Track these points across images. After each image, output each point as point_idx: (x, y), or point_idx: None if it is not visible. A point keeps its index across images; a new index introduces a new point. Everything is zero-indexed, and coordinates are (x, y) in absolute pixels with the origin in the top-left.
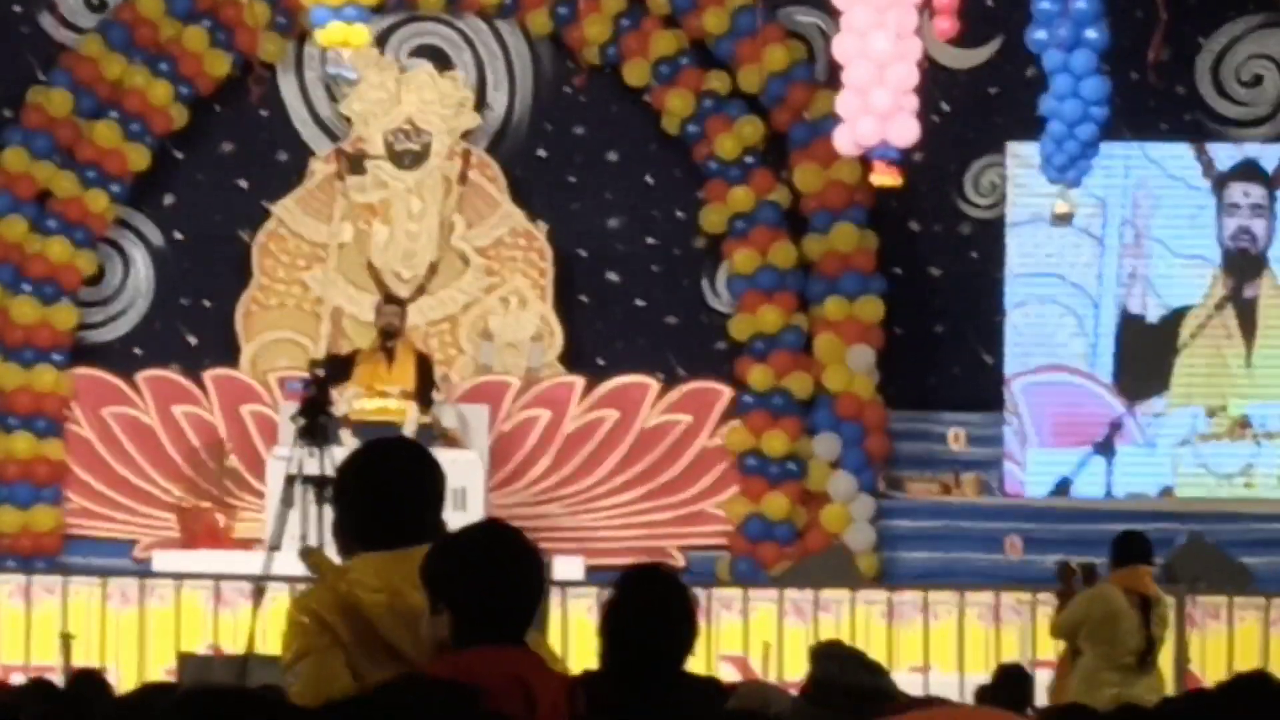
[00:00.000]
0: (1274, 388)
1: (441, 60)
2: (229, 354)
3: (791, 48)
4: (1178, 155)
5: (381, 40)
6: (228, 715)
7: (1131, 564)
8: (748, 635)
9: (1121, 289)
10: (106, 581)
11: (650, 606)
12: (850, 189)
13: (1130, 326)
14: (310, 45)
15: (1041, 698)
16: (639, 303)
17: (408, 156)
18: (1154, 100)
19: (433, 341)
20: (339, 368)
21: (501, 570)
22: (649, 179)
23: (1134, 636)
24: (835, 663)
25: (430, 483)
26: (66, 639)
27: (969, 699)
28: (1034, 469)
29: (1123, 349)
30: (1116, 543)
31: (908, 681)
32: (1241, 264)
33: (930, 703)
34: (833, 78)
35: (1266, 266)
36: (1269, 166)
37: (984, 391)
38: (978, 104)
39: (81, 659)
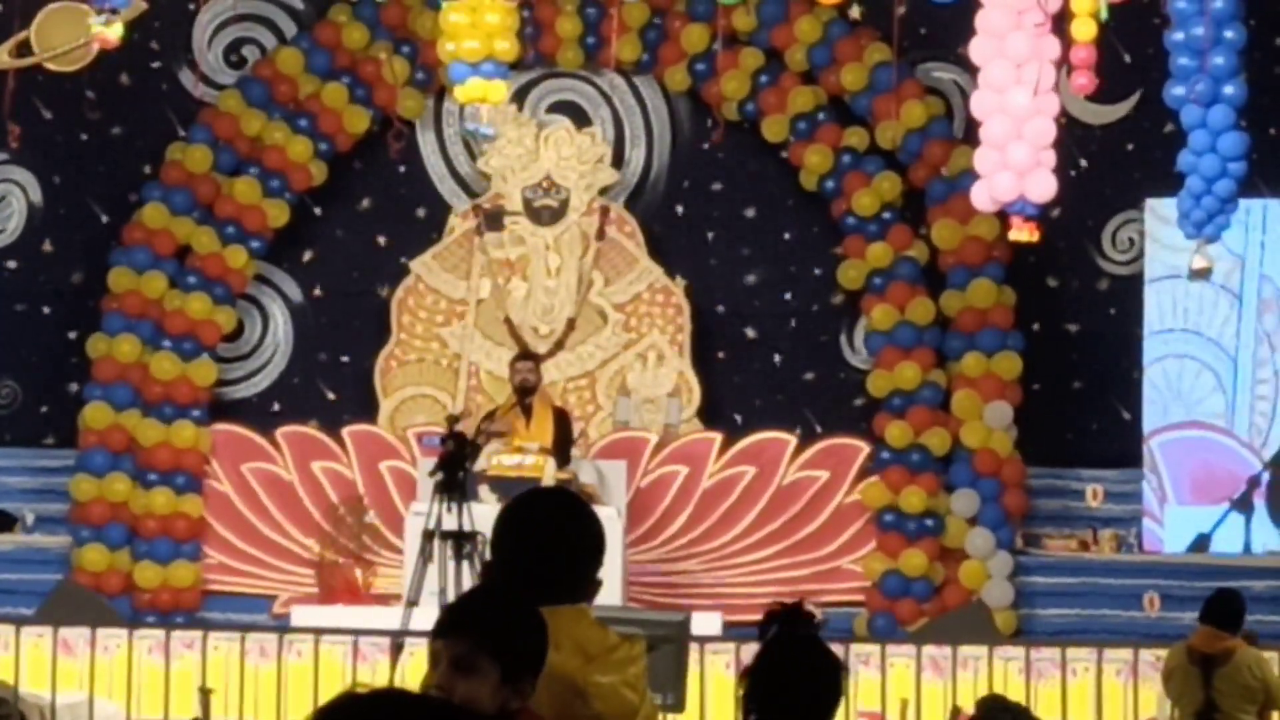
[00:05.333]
0: None
1: (579, 116)
2: (367, 410)
3: (929, 104)
4: None
5: (519, 96)
6: None
7: (1203, 623)
8: (885, 692)
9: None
10: (245, 637)
11: (796, 671)
12: (988, 245)
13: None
14: (449, 102)
15: None
16: (776, 359)
17: (546, 213)
18: None
19: (570, 398)
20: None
21: None
22: (787, 235)
23: (1190, 696)
24: (1008, 714)
25: (577, 539)
26: (205, 694)
27: None
28: (1172, 525)
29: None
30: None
31: None
32: None
33: None
34: (970, 134)
35: None
36: None
37: (1122, 448)
38: (1115, 160)
39: (220, 714)
